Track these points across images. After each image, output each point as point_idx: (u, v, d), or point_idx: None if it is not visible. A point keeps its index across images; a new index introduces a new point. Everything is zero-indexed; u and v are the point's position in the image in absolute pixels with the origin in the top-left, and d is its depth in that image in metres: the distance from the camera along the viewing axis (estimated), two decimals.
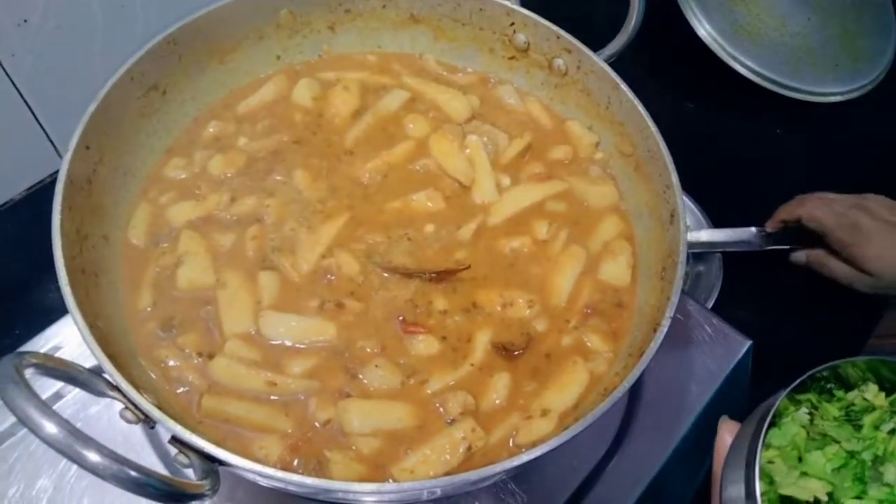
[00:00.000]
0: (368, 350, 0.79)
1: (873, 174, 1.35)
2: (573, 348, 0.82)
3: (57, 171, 1.15)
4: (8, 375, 0.53)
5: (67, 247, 0.72)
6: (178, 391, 0.76)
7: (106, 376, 0.65)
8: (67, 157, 0.77)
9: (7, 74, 1.02)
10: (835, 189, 1.33)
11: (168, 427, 0.62)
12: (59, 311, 0.94)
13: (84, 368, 0.65)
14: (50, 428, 0.52)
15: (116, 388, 0.65)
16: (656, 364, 0.95)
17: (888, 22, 1.46)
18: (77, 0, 1.02)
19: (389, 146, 0.95)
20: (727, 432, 0.68)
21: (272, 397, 0.76)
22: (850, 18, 1.44)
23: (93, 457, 0.53)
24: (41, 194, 1.18)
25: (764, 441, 0.60)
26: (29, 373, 0.57)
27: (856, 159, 1.39)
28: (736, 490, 0.59)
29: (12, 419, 0.87)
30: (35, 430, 0.52)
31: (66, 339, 0.93)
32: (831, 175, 1.36)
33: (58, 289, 1.04)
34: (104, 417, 0.88)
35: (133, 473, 0.53)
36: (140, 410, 0.64)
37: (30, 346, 0.94)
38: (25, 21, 0.99)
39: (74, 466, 0.84)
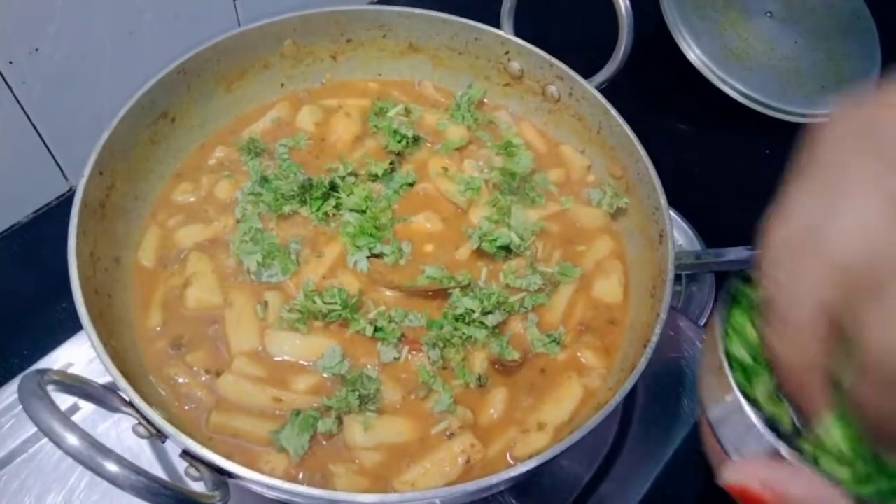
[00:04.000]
0: (370, 366, 0.82)
1: None
2: (568, 364, 0.85)
3: (63, 195, 1.19)
4: (32, 391, 0.56)
5: (82, 268, 0.75)
6: (187, 407, 0.79)
7: (120, 393, 0.68)
8: (82, 182, 0.80)
9: (18, 101, 1.05)
10: None
11: (180, 441, 0.65)
12: (66, 330, 0.98)
13: (99, 385, 0.68)
14: (72, 440, 0.55)
15: (130, 404, 0.68)
16: (649, 380, 0.99)
17: (873, 45, 1.50)
18: (87, 30, 1.05)
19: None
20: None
21: (278, 412, 0.78)
22: (836, 42, 1.48)
23: (112, 467, 0.55)
24: (47, 217, 1.20)
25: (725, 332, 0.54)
26: (50, 389, 0.60)
27: None
28: (717, 404, 0.54)
29: (24, 436, 0.90)
30: (58, 442, 0.55)
31: (76, 358, 0.95)
32: None
33: (64, 309, 1.07)
34: (112, 434, 0.90)
35: (150, 483, 0.56)
36: (152, 425, 0.66)
37: (39, 365, 0.97)
38: (37, 50, 1.02)
39: (83, 483, 0.87)
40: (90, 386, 0.66)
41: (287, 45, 1.02)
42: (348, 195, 0.93)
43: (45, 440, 0.87)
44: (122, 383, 0.66)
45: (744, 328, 0.54)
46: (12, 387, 0.93)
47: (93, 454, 0.55)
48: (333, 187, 0.93)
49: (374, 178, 0.95)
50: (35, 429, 0.88)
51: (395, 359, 0.82)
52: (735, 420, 0.51)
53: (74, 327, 0.98)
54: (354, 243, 0.88)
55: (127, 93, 0.89)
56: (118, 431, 0.89)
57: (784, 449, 0.46)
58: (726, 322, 0.54)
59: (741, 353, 0.53)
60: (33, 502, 0.86)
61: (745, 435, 0.50)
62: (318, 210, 0.92)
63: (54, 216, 1.19)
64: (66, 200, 1.20)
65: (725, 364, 0.51)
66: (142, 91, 0.89)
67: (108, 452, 0.56)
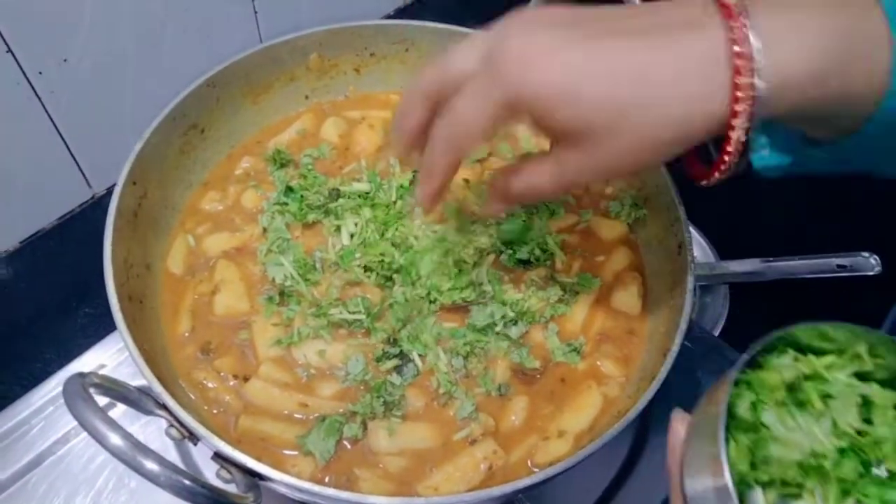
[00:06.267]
0: (394, 373, 0.83)
1: (871, 204, 1.39)
2: (587, 373, 0.86)
3: (86, 202, 1.21)
4: (76, 392, 0.58)
5: (117, 275, 0.77)
6: (215, 411, 0.80)
7: (154, 396, 0.70)
8: (117, 191, 0.82)
9: (46, 110, 1.07)
10: (837, 220, 1.37)
11: (213, 444, 0.66)
12: (89, 335, 1.00)
13: (135, 388, 0.69)
14: (115, 439, 0.57)
15: (164, 407, 0.69)
16: (665, 389, 1.00)
17: None
18: (113, 42, 1.07)
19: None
20: (679, 423, 0.62)
21: (304, 417, 0.80)
22: None
23: (152, 466, 0.57)
24: (70, 224, 1.22)
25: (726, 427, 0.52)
26: (92, 391, 0.62)
27: (854, 190, 1.43)
28: (701, 482, 0.53)
29: (53, 439, 0.92)
30: (101, 441, 0.57)
31: (104, 362, 0.97)
32: (831, 205, 1.40)
33: (87, 314, 1.09)
34: (140, 436, 0.90)
35: (188, 482, 0.58)
36: (186, 428, 0.68)
37: (66, 370, 0.99)
38: (65, 61, 1.04)
39: (111, 484, 0.89)
40: (126, 389, 0.68)
41: (313, 59, 1.05)
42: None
43: (74, 443, 0.91)
44: (157, 387, 0.68)
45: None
46: (40, 391, 0.96)
47: (135, 453, 0.57)
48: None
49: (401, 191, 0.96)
50: (63, 431, 0.92)
51: (414, 375, 0.84)
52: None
53: (97, 332, 1.01)
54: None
55: (149, 103, 0.91)
56: (146, 434, 0.91)
57: None
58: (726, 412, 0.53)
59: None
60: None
61: None
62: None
63: (77, 223, 1.21)
64: (88, 208, 1.22)
65: (722, 442, 0.51)
66: (173, 103, 0.91)
67: (148, 452, 0.58)
